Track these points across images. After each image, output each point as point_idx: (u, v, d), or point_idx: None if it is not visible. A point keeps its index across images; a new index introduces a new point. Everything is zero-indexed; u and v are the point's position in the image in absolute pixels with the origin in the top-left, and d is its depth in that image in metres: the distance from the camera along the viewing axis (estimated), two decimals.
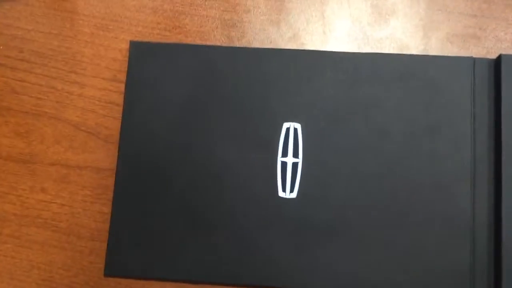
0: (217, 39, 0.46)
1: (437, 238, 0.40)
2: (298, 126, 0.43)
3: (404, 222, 0.41)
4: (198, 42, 0.46)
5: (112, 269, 0.41)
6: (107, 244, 0.41)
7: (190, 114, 0.43)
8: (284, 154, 0.42)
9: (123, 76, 0.45)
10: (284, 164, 0.42)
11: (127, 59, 0.44)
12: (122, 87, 0.45)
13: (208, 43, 0.46)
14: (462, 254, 0.40)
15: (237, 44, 0.46)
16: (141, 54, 0.44)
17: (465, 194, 0.41)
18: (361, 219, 0.41)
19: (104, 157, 0.44)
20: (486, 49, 0.45)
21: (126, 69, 0.44)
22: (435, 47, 0.45)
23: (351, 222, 0.41)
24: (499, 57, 0.42)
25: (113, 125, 0.45)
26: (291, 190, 0.42)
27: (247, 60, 0.44)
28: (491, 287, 0.40)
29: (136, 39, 0.46)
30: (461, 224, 0.40)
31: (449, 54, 0.44)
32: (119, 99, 0.45)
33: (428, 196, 0.41)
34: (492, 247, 0.40)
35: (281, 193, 0.42)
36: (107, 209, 0.43)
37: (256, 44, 0.46)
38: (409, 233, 0.40)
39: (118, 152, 0.43)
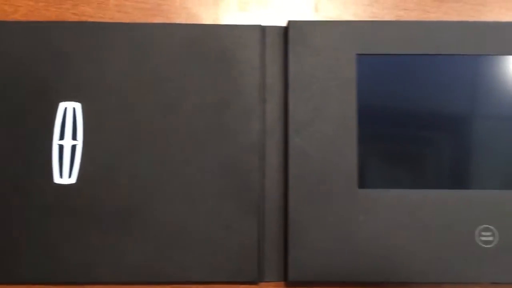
0: None
1: (226, 216, 0.38)
2: (77, 105, 0.39)
3: (193, 203, 0.39)
4: None
5: None
6: None
7: None
8: (62, 136, 0.39)
9: None
10: (61, 148, 0.39)
11: None
12: None
13: None
14: (251, 229, 0.38)
15: (12, 17, 0.41)
16: None
17: (254, 168, 0.39)
18: (147, 203, 0.39)
19: None
20: (281, 16, 0.43)
21: None
22: (228, 16, 0.42)
23: (137, 206, 0.38)
24: (288, 23, 0.40)
25: None
26: (69, 175, 0.38)
27: (23, 35, 0.40)
28: (280, 262, 0.39)
29: None
30: (251, 199, 0.39)
31: (243, 23, 0.42)
32: None
33: (218, 174, 0.39)
34: (281, 220, 0.39)
35: (58, 179, 0.38)
36: None
37: (33, 17, 0.41)
38: (198, 214, 0.38)
39: None
